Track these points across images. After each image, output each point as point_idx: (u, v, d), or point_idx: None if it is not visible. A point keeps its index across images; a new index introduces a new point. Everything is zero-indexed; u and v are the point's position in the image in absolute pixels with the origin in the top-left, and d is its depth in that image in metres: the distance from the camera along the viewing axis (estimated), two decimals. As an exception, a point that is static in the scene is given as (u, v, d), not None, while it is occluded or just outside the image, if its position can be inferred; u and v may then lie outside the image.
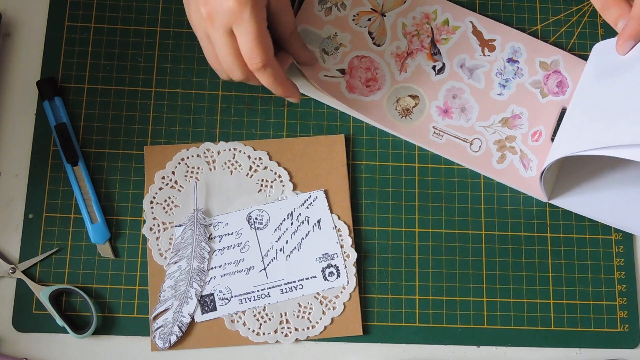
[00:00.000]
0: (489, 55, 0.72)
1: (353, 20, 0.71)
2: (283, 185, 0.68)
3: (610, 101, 0.62)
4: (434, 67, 0.71)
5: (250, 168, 0.69)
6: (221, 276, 0.66)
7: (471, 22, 0.72)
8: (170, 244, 0.67)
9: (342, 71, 0.70)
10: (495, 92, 0.71)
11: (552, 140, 0.70)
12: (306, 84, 0.70)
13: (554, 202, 0.70)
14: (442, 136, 0.69)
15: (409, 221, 0.69)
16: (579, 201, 0.70)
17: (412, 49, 0.71)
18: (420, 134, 0.69)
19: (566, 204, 0.70)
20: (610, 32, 0.75)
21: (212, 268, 0.66)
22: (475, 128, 0.70)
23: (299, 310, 0.66)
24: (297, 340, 0.66)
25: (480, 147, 0.69)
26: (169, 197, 0.68)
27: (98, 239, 0.67)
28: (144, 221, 0.67)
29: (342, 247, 0.67)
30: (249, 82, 0.63)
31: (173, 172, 0.68)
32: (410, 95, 0.70)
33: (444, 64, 0.71)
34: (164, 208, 0.68)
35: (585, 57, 0.72)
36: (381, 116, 0.69)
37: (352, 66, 0.70)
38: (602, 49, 0.68)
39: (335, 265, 0.67)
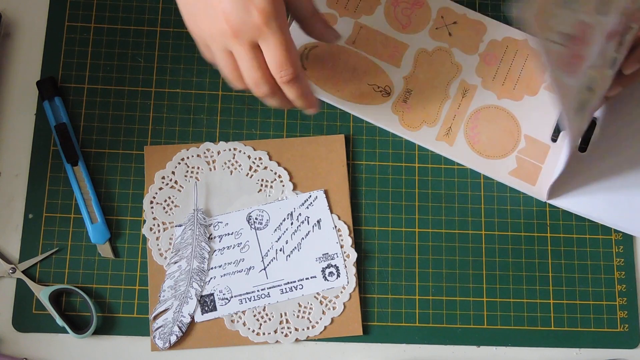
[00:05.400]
0: None
1: None
2: (283, 185, 0.68)
3: None
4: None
5: (250, 168, 0.69)
6: (221, 276, 0.66)
7: None
8: (170, 244, 0.67)
9: (568, 37, 0.53)
10: None
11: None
12: (325, 92, 0.70)
13: (553, 202, 0.70)
14: None
15: (409, 221, 0.69)
16: (579, 202, 0.70)
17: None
18: None
19: (566, 204, 0.70)
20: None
21: (212, 268, 0.66)
22: None
23: (299, 310, 0.66)
24: (297, 340, 0.66)
25: None
26: (169, 197, 0.68)
27: (98, 239, 0.67)
28: (144, 221, 0.67)
29: (342, 247, 0.67)
30: (273, 97, 0.60)
31: (173, 172, 0.68)
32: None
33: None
34: (164, 208, 0.68)
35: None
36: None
37: (578, 33, 0.52)
38: None
39: (335, 265, 0.67)
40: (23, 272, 0.66)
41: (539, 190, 0.69)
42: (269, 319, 0.66)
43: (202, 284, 0.66)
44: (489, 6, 0.74)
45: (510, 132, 0.71)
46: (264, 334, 0.65)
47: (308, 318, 0.66)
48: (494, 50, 0.72)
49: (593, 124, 0.70)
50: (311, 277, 0.67)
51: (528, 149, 0.70)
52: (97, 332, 0.65)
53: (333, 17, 0.72)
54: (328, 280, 0.67)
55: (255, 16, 0.55)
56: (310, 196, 0.68)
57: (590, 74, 0.55)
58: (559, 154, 0.70)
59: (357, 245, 0.68)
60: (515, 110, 0.71)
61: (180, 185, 0.68)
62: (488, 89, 0.72)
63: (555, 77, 0.52)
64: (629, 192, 0.70)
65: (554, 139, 0.71)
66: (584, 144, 0.70)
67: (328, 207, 0.68)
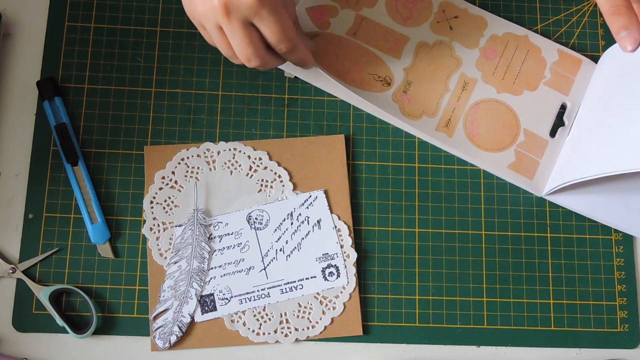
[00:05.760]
0: None
1: None
2: (283, 185, 0.68)
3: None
4: None
5: (250, 168, 0.69)
6: (221, 276, 0.66)
7: None
8: (170, 244, 0.67)
9: None
10: None
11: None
12: (314, 73, 0.70)
13: (553, 199, 0.70)
14: None
15: (409, 221, 0.69)
16: (579, 200, 0.70)
17: None
18: None
19: (566, 202, 0.70)
20: (609, 32, 0.75)
21: (212, 268, 0.66)
22: None
23: (299, 310, 0.66)
24: (297, 340, 0.66)
25: None
26: (169, 197, 0.68)
27: (98, 239, 0.67)
28: (144, 221, 0.67)
29: (342, 247, 0.67)
30: (264, 68, 0.62)
31: (173, 172, 0.68)
32: None
33: None
34: (164, 208, 0.68)
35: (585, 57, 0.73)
36: None
37: None
38: (613, 55, 0.69)
39: (335, 265, 0.67)
40: (23, 272, 0.66)
41: (536, 185, 0.69)
42: (269, 319, 0.66)
43: (202, 284, 0.66)
44: (490, 2, 0.74)
45: (510, 125, 0.71)
46: (264, 334, 0.66)
47: (308, 318, 0.66)
48: (495, 45, 0.73)
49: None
50: (311, 277, 0.67)
51: (527, 143, 0.70)
52: (97, 332, 0.65)
53: (334, 9, 0.72)
54: (328, 280, 0.67)
55: None
56: (310, 196, 0.68)
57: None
58: (557, 149, 0.70)
59: (357, 245, 0.68)
60: (514, 105, 0.71)
61: (180, 185, 0.68)
62: (488, 83, 0.72)
63: None
64: (627, 192, 0.70)
65: (552, 134, 0.71)
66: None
67: (328, 207, 0.68)
